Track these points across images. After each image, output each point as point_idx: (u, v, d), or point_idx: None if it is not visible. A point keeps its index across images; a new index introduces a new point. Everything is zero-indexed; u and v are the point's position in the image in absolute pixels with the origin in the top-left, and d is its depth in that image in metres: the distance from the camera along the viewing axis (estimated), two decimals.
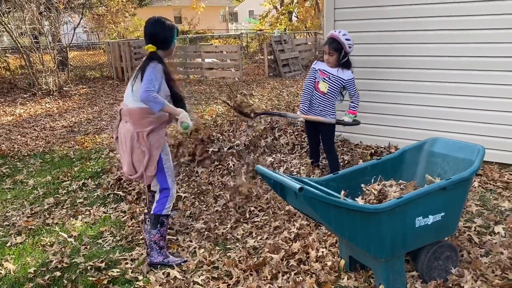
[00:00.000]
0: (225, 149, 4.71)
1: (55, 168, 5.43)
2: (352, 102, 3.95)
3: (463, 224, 3.32)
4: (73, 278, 2.99)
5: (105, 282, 2.90)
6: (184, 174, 4.61)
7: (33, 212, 4.13)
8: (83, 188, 4.69)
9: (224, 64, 13.93)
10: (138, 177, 3.06)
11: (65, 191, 4.62)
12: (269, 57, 14.03)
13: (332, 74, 3.84)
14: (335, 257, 2.94)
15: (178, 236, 3.50)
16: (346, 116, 3.95)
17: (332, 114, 3.96)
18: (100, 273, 3.02)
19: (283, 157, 4.77)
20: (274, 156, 4.74)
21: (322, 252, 3.02)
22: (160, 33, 2.95)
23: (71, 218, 3.96)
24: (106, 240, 3.52)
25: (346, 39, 3.73)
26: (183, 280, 2.88)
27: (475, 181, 4.04)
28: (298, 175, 4.21)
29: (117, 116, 3.10)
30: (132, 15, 22.44)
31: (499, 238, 3.09)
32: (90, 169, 5.22)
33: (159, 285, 2.83)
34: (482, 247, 3.01)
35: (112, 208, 4.13)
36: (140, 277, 2.95)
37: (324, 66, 3.86)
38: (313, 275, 2.78)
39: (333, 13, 4.86)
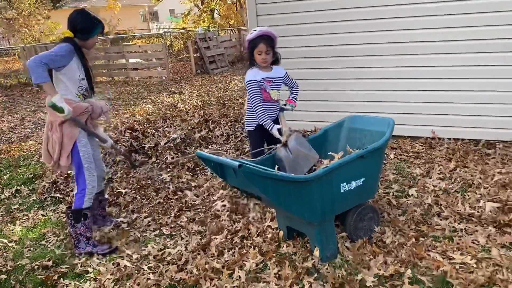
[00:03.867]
0: (162, 143, 4.83)
1: None
2: (293, 92, 3.69)
3: (383, 190, 3.76)
4: (21, 279, 3.00)
5: (55, 278, 2.94)
6: (122, 171, 4.66)
7: None
8: (17, 194, 4.58)
9: (149, 63, 13.80)
10: (54, 166, 3.14)
11: None
12: (195, 55, 14.13)
13: (274, 78, 3.50)
14: (274, 230, 3.22)
15: (123, 229, 3.59)
16: (288, 105, 3.64)
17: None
18: (48, 271, 3.06)
19: (219, 147, 4.99)
20: (210, 147, 4.94)
21: (263, 226, 3.30)
22: (80, 22, 3.00)
23: (9, 224, 3.88)
24: (50, 241, 3.53)
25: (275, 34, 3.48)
26: (133, 267, 3.00)
27: (391, 153, 4.55)
28: None
29: None
30: (45, 18, 21.31)
31: (413, 199, 3.56)
32: (21, 176, 5.08)
33: (110, 274, 2.94)
34: (399, 208, 3.45)
35: (51, 210, 4.10)
36: (90, 270, 3.03)
37: (263, 74, 3.44)
38: (256, 247, 3.04)
39: (255, 9, 5.15)
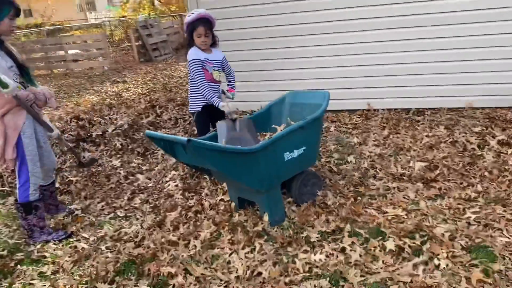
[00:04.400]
0: (110, 130, 4.85)
1: None
2: (231, 81, 3.82)
3: (325, 159, 4.04)
4: None
5: (11, 265, 2.97)
6: (71, 160, 4.65)
7: None
8: None
9: (90, 54, 13.42)
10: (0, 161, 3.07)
11: None
12: (137, 43, 13.88)
13: (215, 60, 3.61)
14: (226, 202, 3.41)
15: (77, 215, 3.64)
16: (228, 94, 3.73)
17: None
18: (3, 260, 3.07)
19: (168, 131, 5.08)
20: (159, 131, 5.03)
21: (215, 201, 3.48)
22: None
23: None
24: (2, 232, 3.50)
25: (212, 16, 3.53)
26: (91, 248, 3.09)
27: (331, 126, 4.85)
28: None
29: None
30: None
31: (351, 165, 3.87)
32: None
33: (68, 257, 3.01)
34: (339, 174, 3.74)
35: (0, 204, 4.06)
36: (48, 255, 3.08)
37: (204, 55, 3.55)
38: (210, 219, 3.22)
39: None
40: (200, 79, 3.52)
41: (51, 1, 26.76)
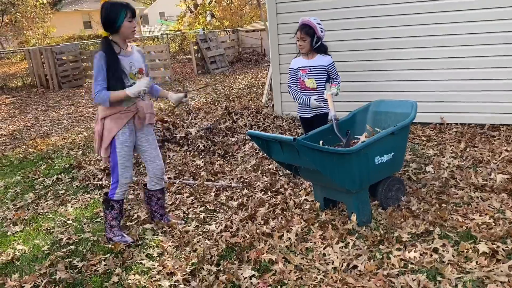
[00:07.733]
0: (193, 133, 5.19)
1: (18, 169, 5.51)
2: (335, 82, 3.88)
3: (403, 169, 4.16)
4: (88, 248, 3.34)
5: (122, 246, 3.29)
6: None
7: (18, 207, 4.31)
8: (58, 182, 4.90)
9: (153, 64, 14.12)
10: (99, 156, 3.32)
11: (41, 186, 4.80)
12: (196, 56, 14.47)
13: (313, 66, 3.78)
14: (311, 202, 3.61)
15: (171, 207, 3.95)
16: (334, 88, 3.78)
17: (326, 105, 3.84)
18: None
19: (244, 136, 5.37)
20: (236, 136, 5.32)
21: (300, 200, 3.69)
22: (102, 16, 2.99)
23: (61, 206, 4.22)
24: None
25: (317, 23, 3.69)
26: (189, 236, 3.37)
27: None
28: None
29: None
30: (44, 22, 21.53)
31: (430, 174, 3.98)
32: (57, 166, 5.40)
33: (171, 242, 3.30)
34: (419, 182, 3.86)
35: (97, 194, 4.45)
36: (147, 240, 3.38)
37: (301, 63, 3.80)
38: (299, 215, 3.42)
39: (275, 7, 5.55)
40: (290, 87, 3.93)
41: None
